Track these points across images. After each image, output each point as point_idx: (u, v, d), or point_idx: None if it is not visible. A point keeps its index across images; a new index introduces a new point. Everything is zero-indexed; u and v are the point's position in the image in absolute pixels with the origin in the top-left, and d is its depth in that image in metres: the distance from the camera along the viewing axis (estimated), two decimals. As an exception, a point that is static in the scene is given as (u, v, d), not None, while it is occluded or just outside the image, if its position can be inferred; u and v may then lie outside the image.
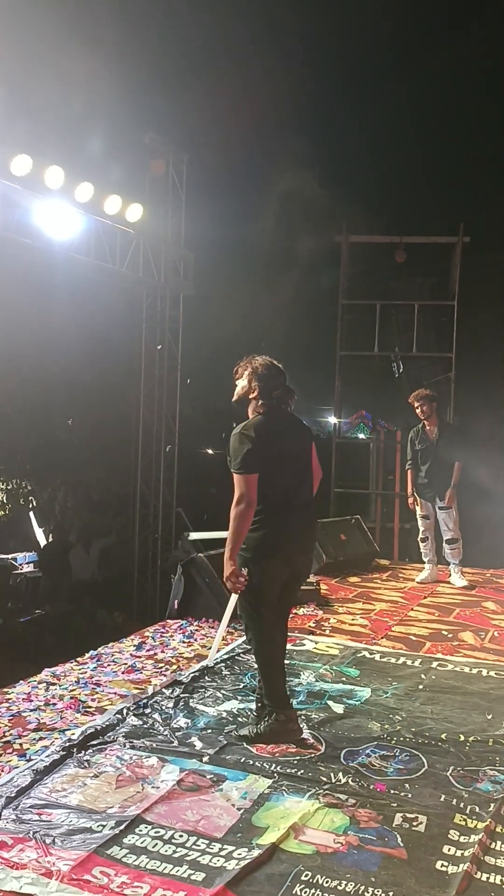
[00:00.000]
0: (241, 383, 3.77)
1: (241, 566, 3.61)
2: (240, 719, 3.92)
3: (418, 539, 7.70)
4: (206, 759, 3.44)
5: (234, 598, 3.97)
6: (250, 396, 3.73)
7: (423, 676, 4.70)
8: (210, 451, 18.24)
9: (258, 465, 3.53)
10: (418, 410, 7.34)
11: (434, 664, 4.96)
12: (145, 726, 3.79)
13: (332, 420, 13.97)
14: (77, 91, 9.35)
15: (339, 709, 4.12)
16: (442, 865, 2.69)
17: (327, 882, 2.58)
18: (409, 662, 4.99)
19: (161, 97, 11.06)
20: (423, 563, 7.71)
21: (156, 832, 2.84)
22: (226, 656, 4.96)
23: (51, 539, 13.52)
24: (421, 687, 4.52)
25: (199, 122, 11.38)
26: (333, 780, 3.29)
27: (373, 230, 11.90)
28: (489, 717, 4.06)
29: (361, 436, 13.92)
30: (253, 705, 3.98)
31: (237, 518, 3.52)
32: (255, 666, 3.89)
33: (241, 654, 4.99)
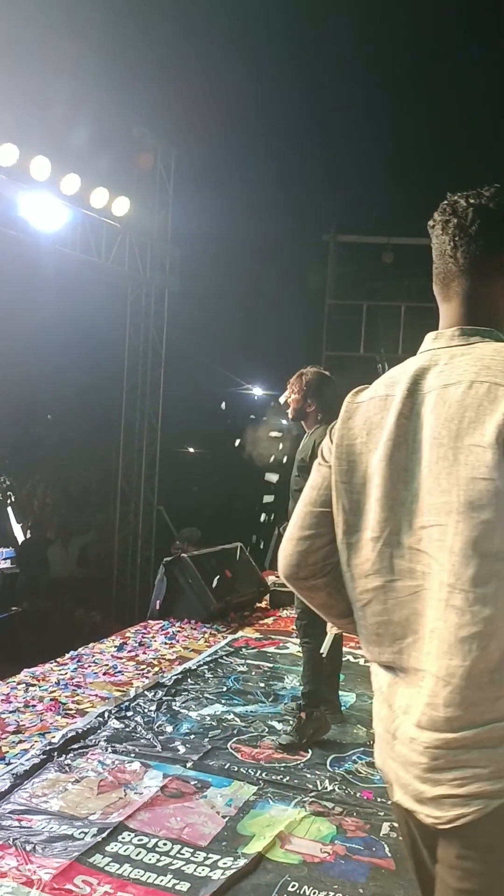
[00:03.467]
0: (295, 397, 3.93)
1: None
2: (223, 724, 3.85)
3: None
4: (189, 764, 3.38)
5: None
6: (308, 411, 3.90)
7: (407, 681, 4.66)
8: (192, 450, 18.16)
9: None
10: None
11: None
12: (127, 730, 3.71)
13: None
14: (65, 81, 9.22)
15: (324, 714, 4.06)
16: (431, 877, 2.64)
17: (314, 893, 2.53)
18: (393, 667, 4.94)
19: (150, 91, 10.95)
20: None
21: (139, 840, 2.77)
22: (209, 659, 4.90)
23: (29, 535, 13.36)
24: (406, 692, 4.48)
25: (188, 117, 11.27)
26: (320, 788, 3.24)
27: (360, 231, 11.88)
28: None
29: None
30: (236, 709, 3.94)
31: None
32: (305, 662, 3.87)
33: (225, 657, 4.93)
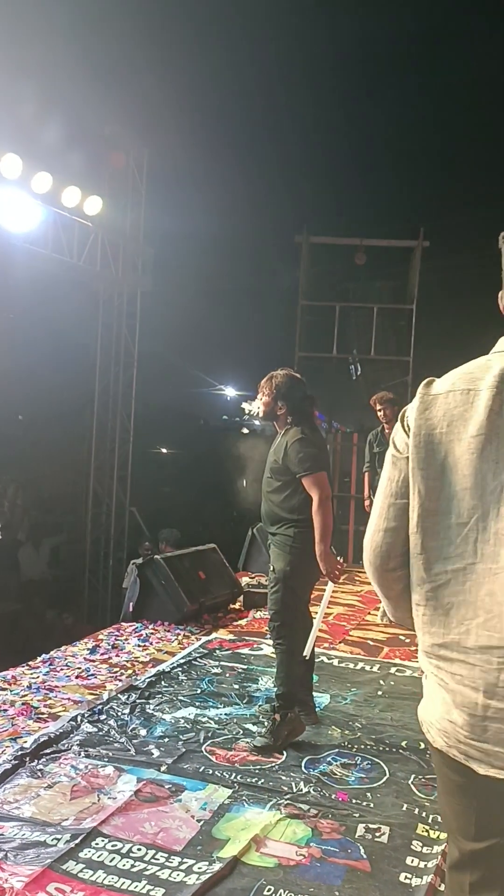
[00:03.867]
0: (265, 399, 3.96)
1: (295, 562, 3.78)
2: (197, 726, 3.83)
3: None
4: (164, 768, 3.35)
5: (328, 592, 4.02)
6: (278, 413, 3.93)
7: (381, 682, 4.68)
8: (164, 450, 18.08)
9: (326, 464, 3.88)
10: (380, 413, 7.32)
11: (392, 670, 4.93)
12: (101, 734, 3.67)
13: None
14: (36, 79, 9.14)
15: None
16: (406, 878, 2.64)
17: (291, 896, 2.51)
18: (367, 668, 4.96)
19: (122, 90, 10.90)
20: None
21: (113, 846, 2.74)
22: (182, 661, 4.87)
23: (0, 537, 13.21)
24: (380, 693, 4.49)
25: (161, 116, 11.23)
26: (295, 790, 3.23)
27: (333, 232, 11.89)
28: (448, 723, 4.04)
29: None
30: (210, 711, 3.92)
31: (327, 513, 3.72)
32: (279, 664, 3.88)
33: (199, 659, 4.90)
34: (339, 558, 3.82)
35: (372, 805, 3.14)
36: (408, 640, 5.64)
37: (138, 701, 4.11)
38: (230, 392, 37.72)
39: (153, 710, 4.03)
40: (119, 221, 10.90)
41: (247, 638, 5.53)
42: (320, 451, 3.87)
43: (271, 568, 3.91)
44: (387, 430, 7.39)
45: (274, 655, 5.09)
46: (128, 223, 11.17)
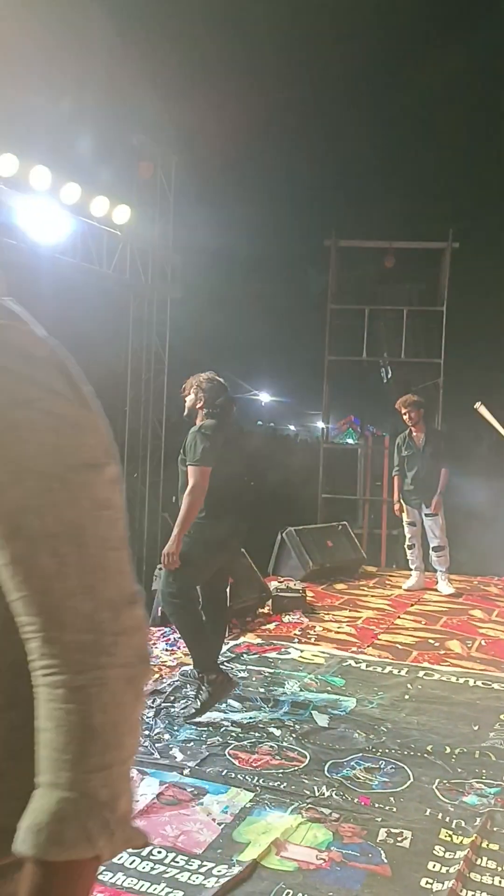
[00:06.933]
0: (190, 398, 4.28)
1: (190, 549, 4.04)
2: (221, 730, 3.84)
3: (405, 546, 7.64)
4: (186, 771, 3.36)
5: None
6: (197, 407, 4.24)
7: (409, 686, 4.64)
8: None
9: (212, 461, 4.02)
10: (406, 417, 7.29)
11: (420, 674, 4.89)
12: (125, 737, 3.69)
13: (321, 425, 13.90)
14: (65, 90, 9.27)
15: (323, 720, 4.04)
16: (427, 883, 2.62)
17: (309, 901, 2.50)
18: (395, 672, 4.92)
19: (150, 99, 10.99)
20: (411, 570, 7.66)
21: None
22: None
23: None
24: (407, 697, 4.46)
25: (189, 124, 11.32)
26: (317, 794, 3.22)
27: (362, 235, 11.86)
28: (475, 728, 4.00)
29: (350, 441, 13.86)
30: (235, 715, 3.94)
31: (192, 505, 4.00)
32: (185, 637, 4.19)
33: (226, 664, 4.90)
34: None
35: (395, 809, 3.11)
36: (437, 644, 5.59)
37: (163, 705, 4.13)
38: (264, 397, 37.76)
39: (178, 713, 4.04)
40: (148, 230, 10.99)
41: (275, 642, 5.53)
42: (218, 449, 4.05)
43: None
44: (414, 434, 7.35)
45: (301, 659, 5.11)
46: (156, 231, 11.25)
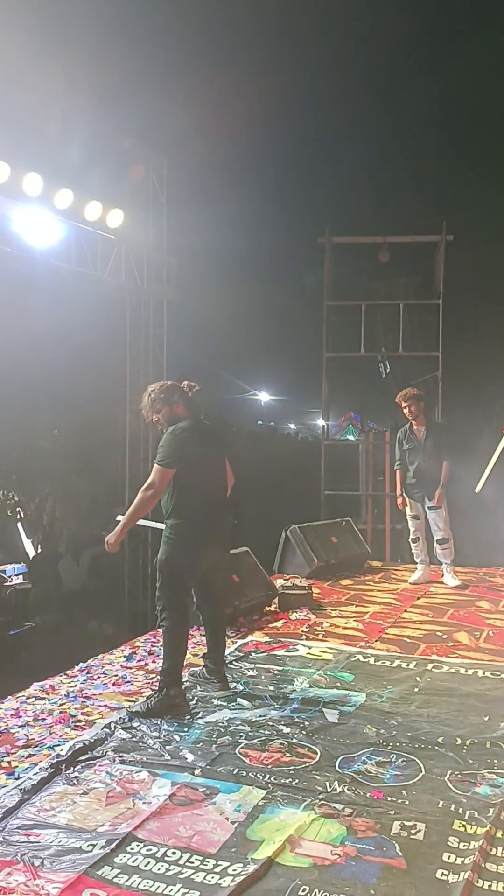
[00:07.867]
0: (156, 417, 4.30)
1: (172, 554, 4.10)
2: (231, 729, 3.84)
3: (409, 540, 7.64)
4: (198, 771, 3.36)
5: None
6: (165, 418, 4.26)
7: (418, 679, 4.64)
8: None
9: (177, 464, 4.06)
10: (406, 410, 7.29)
11: (429, 666, 4.89)
12: (134, 739, 3.70)
13: (321, 423, 13.91)
14: (55, 97, 9.28)
15: (333, 716, 4.03)
16: (442, 874, 2.62)
17: (326, 896, 2.50)
18: (403, 665, 4.92)
19: (140, 102, 11.03)
20: (416, 563, 7.66)
21: (148, 850, 2.76)
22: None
23: (40, 550, 13.39)
24: (416, 690, 4.45)
25: (179, 126, 11.32)
26: (329, 790, 3.21)
27: (356, 231, 11.86)
28: (486, 718, 4.00)
29: (351, 437, 13.87)
30: (244, 714, 3.94)
31: (143, 501, 4.06)
32: (163, 642, 4.22)
33: (234, 663, 4.91)
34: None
35: (407, 802, 3.11)
36: (445, 637, 5.59)
37: (173, 706, 4.12)
38: (263, 397, 37.73)
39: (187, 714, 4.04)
40: (141, 233, 11.00)
41: (282, 639, 5.52)
42: (189, 450, 4.07)
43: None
44: (415, 427, 7.35)
45: (309, 656, 5.11)
46: (150, 234, 11.26)
